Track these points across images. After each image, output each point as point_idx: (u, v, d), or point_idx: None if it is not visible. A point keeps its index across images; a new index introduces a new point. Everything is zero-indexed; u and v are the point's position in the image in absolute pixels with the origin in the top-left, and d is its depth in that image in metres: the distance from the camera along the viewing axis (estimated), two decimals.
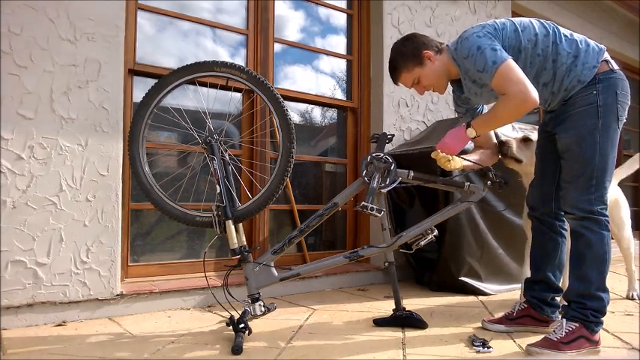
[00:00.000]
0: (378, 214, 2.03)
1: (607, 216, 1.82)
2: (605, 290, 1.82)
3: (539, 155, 2.11)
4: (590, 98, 1.81)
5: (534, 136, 2.25)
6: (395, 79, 2.06)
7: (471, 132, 1.91)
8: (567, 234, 2.06)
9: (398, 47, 2.02)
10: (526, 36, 1.85)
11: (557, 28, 1.89)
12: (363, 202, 1.98)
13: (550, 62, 1.85)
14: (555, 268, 2.08)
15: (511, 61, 1.75)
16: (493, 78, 1.76)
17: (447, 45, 1.99)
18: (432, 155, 2.07)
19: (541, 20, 1.92)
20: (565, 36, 1.87)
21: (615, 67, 1.87)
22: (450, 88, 2.13)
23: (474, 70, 1.83)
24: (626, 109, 1.87)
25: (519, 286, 2.63)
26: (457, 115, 2.22)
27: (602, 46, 1.89)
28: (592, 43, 1.89)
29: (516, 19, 1.90)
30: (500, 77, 1.75)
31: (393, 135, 2.32)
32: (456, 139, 1.97)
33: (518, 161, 2.24)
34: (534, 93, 1.73)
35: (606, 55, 1.87)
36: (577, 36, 1.89)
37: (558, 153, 1.92)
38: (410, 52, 1.97)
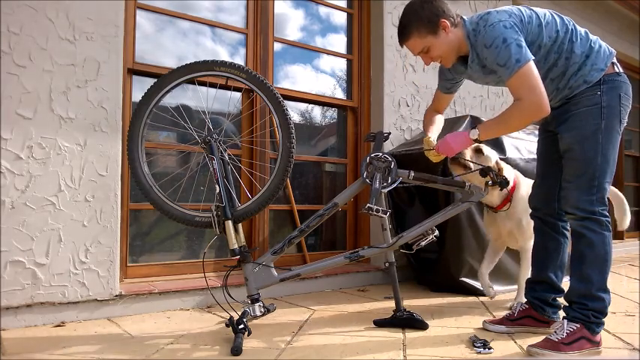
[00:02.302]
0: (384, 215, 2.02)
1: (608, 216, 1.81)
2: (607, 291, 1.81)
3: (541, 155, 2.10)
4: (595, 99, 1.81)
5: (486, 150, 2.31)
6: (402, 41, 1.92)
7: (475, 134, 1.88)
8: (570, 234, 2.05)
9: (415, 7, 1.86)
10: (548, 32, 1.82)
11: (575, 25, 1.88)
12: (368, 205, 1.97)
13: (563, 59, 1.84)
14: (557, 268, 2.07)
15: (532, 64, 1.72)
16: (512, 76, 1.72)
17: (462, 20, 1.91)
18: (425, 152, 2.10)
19: (561, 15, 1.89)
20: (581, 35, 1.86)
21: (621, 70, 1.87)
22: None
23: (494, 62, 1.77)
24: (628, 113, 1.87)
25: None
26: (439, 87, 2.18)
27: (613, 50, 1.89)
28: (604, 45, 1.88)
29: (540, 12, 1.85)
30: (520, 79, 1.72)
31: (389, 133, 2.32)
32: (457, 141, 1.96)
33: (467, 168, 2.26)
34: (547, 102, 1.73)
35: (614, 58, 1.87)
36: (591, 36, 1.88)
37: (560, 153, 1.92)
38: (426, 17, 1.84)
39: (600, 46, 1.86)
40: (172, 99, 2.59)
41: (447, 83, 2.15)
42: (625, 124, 1.86)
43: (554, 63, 1.85)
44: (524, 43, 1.74)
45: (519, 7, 1.86)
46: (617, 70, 1.86)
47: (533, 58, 1.74)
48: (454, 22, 1.88)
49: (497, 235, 2.52)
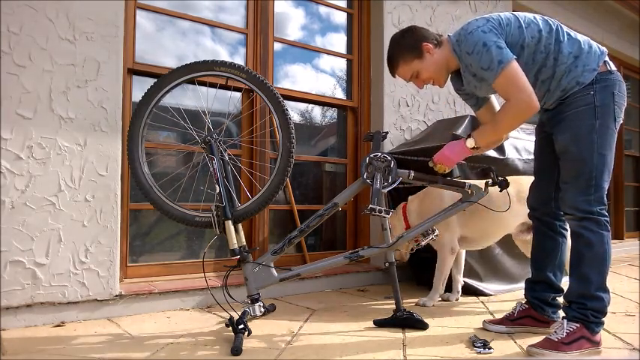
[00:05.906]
0: (387, 216, 2.03)
1: (606, 216, 1.81)
2: (606, 290, 1.81)
3: (537, 155, 2.11)
4: (588, 98, 1.81)
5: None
6: (393, 71, 2.03)
7: (471, 142, 1.91)
8: (567, 234, 2.05)
9: (397, 39, 1.99)
10: (530, 33, 1.83)
11: (560, 26, 1.88)
12: (370, 205, 1.98)
13: (551, 60, 1.84)
14: (556, 268, 2.07)
15: (515, 63, 1.75)
16: (497, 77, 1.76)
17: (448, 36, 1.97)
18: (429, 164, 2.09)
19: (545, 17, 1.90)
20: (568, 35, 1.86)
21: (613, 68, 1.86)
22: (449, 85, 2.12)
23: (478, 67, 1.81)
24: (623, 111, 1.86)
25: (519, 286, 2.63)
26: (472, 109, 2.18)
27: (604, 49, 1.89)
28: (595, 45, 1.88)
29: (520, 15, 1.88)
30: (505, 79, 1.75)
31: (387, 132, 2.32)
32: (455, 151, 1.97)
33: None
34: (536, 99, 1.75)
35: (606, 57, 1.87)
36: (580, 37, 1.88)
37: (556, 153, 1.92)
38: (409, 45, 1.94)
39: (591, 47, 1.86)
40: (172, 99, 2.59)
41: (469, 100, 2.12)
42: (620, 121, 1.85)
43: (542, 63, 1.85)
44: (504, 45, 1.77)
45: (499, 13, 1.89)
46: (610, 69, 1.85)
47: (516, 57, 1.76)
48: (437, 42, 1.95)
49: None
